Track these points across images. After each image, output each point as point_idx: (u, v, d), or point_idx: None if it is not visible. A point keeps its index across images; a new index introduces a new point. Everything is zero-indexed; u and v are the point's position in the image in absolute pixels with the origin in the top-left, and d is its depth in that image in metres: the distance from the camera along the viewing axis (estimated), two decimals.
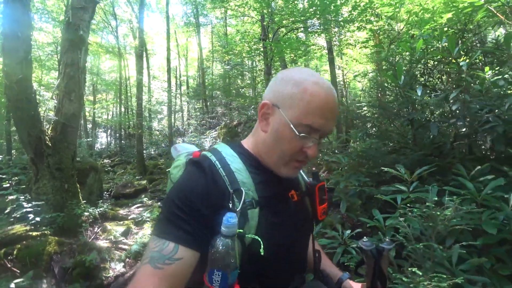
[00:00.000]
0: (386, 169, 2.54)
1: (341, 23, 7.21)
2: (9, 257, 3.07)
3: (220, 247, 0.59)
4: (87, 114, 16.30)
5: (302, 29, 8.92)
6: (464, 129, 3.03)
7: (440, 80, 4.29)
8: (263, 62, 9.19)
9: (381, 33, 7.55)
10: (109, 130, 21.63)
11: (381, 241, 1.85)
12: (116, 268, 3.35)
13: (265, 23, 7.69)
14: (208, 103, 17.71)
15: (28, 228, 3.01)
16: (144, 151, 11.21)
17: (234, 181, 0.69)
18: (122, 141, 17.40)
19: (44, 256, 3.15)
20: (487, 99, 2.84)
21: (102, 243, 3.78)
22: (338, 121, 9.57)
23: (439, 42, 3.27)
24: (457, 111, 3.02)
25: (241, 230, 0.65)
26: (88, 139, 14.13)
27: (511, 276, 1.63)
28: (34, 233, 3.12)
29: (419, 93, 3.15)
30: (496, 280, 1.60)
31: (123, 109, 18.11)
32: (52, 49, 13.92)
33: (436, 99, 3.22)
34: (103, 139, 21.01)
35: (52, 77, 14.46)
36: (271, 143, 0.74)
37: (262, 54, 8.27)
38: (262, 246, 0.65)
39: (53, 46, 13.75)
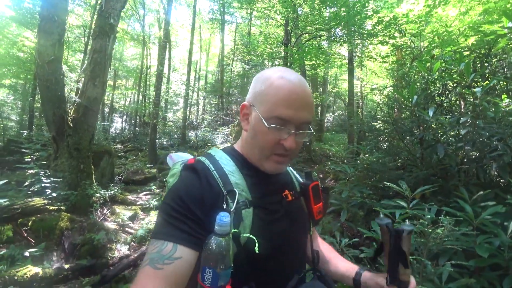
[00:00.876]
0: (388, 184, 2.62)
1: (364, 35, 7.24)
2: (24, 228, 3.30)
3: (213, 246, 0.61)
4: (105, 98, 16.79)
5: (325, 37, 8.98)
6: (472, 154, 3.06)
7: (458, 102, 4.31)
8: (282, 65, 9.32)
9: (404, 49, 7.54)
10: (125, 116, 22.17)
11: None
12: (121, 249, 3.54)
13: (288, 28, 7.81)
14: (224, 100, 17.93)
15: (46, 201, 3.22)
16: (157, 141, 11.49)
17: (228, 182, 0.71)
18: (137, 128, 17.81)
19: (56, 230, 3.36)
20: (501, 126, 2.88)
21: (110, 224, 3.99)
22: (349, 132, 9.59)
23: (458, 66, 3.32)
24: (468, 136, 3.06)
25: (236, 230, 0.67)
26: (105, 123, 14.55)
27: None
28: (51, 207, 3.34)
29: (430, 113, 3.20)
30: None
31: (140, 97, 18.54)
32: (80, 31, 14.38)
33: (448, 122, 3.28)
34: (118, 124, 21.53)
35: (77, 59, 14.95)
36: (251, 140, 0.78)
37: (283, 58, 8.37)
38: (257, 245, 0.66)
39: (81, 29, 14.20)
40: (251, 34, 16.00)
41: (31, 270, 2.51)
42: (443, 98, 4.22)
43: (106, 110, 18.67)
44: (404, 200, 2.46)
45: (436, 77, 3.59)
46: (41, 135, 6.32)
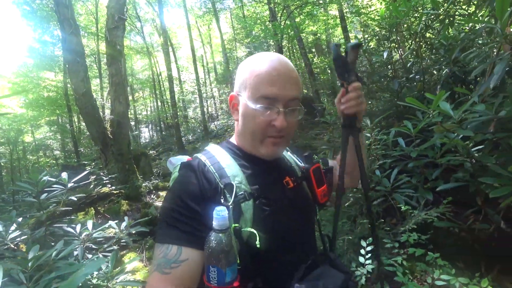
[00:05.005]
0: None
1: None
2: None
3: (213, 243, 0.60)
4: (129, 112, 18.60)
5: (311, 3, 9.57)
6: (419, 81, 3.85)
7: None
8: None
9: None
10: (150, 125, 24.16)
11: None
12: None
13: (271, 5, 8.56)
14: None
15: (112, 188, 4.60)
16: (183, 138, 12.93)
17: (225, 176, 0.72)
18: (163, 132, 19.52)
19: (121, 212, 4.73)
20: (446, 52, 3.54)
21: (158, 203, 5.34)
22: None
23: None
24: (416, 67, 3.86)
25: (236, 225, 0.67)
26: (133, 133, 16.31)
27: (431, 188, 2.29)
28: (116, 192, 4.73)
29: (385, 55, 4.05)
30: (422, 191, 2.29)
31: (159, 103, 20.20)
32: (91, 60, 15.95)
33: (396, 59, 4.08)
34: (146, 133, 23.59)
35: (94, 85, 16.66)
36: (242, 127, 0.80)
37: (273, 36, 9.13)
38: (258, 239, 0.67)
39: (91, 57, 15.78)
40: (246, 17, 16.66)
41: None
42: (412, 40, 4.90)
43: (132, 123, 20.60)
44: (369, 132, 3.33)
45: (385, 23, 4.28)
46: (86, 156, 7.88)
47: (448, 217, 1.77)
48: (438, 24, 3.77)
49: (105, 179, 4.97)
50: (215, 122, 15.98)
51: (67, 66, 5.49)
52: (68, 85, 10.74)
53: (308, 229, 0.87)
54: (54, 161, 12.18)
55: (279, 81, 0.72)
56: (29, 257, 1.63)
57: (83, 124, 13.56)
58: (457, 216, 1.82)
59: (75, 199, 2.69)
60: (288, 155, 0.95)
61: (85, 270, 0.70)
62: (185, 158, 0.92)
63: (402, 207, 2.19)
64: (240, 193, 0.71)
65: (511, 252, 1.66)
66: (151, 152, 14.47)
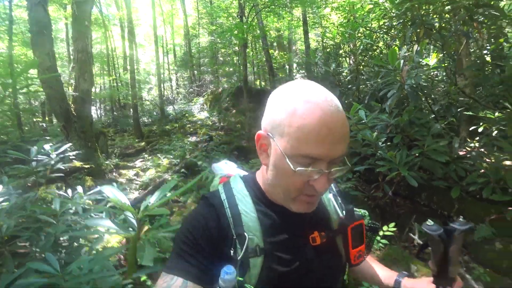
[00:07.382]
0: None
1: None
2: None
3: None
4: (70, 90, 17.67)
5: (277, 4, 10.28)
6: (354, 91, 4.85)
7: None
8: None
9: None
10: (98, 104, 23.03)
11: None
12: (134, 193, 5.32)
13: (241, 1, 9.10)
14: (195, 72, 19.12)
15: (82, 163, 4.89)
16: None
17: (239, 224, 0.70)
18: (115, 113, 18.94)
19: (86, 187, 5.05)
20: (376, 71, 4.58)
21: (121, 180, 5.73)
22: None
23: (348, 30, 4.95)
24: (354, 80, 4.85)
25: (241, 279, 0.67)
26: None
27: (352, 170, 3.47)
28: (86, 166, 5.03)
29: (332, 67, 4.95)
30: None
31: (112, 81, 19.46)
32: (27, 27, 14.74)
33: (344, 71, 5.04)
34: (93, 114, 22.41)
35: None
36: (273, 178, 0.71)
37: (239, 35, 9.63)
38: None
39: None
40: (213, 3, 16.84)
41: None
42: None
43: None
44: None
45: (338, 41, 5.26)
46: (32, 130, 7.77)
47: (359, 189, 2.66)
48: (373, 49, 4.81)
49: (71, 155, 5.20)
50: (172, 106, 16.07)
51: (32, 38, 5.50)
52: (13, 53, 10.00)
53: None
54: None
55: (329, 139, 0.61)
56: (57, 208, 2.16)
57: (20, 97, 12.72)
58: (366, 189, 2.72)
59: (63, 167, 3.10)
60: (328, 198, 0.87)
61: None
62: (224, 170, 1.05)
63: None
64: (251, 246, 0.69)
65: (396, 215, 2.59)
66: None
